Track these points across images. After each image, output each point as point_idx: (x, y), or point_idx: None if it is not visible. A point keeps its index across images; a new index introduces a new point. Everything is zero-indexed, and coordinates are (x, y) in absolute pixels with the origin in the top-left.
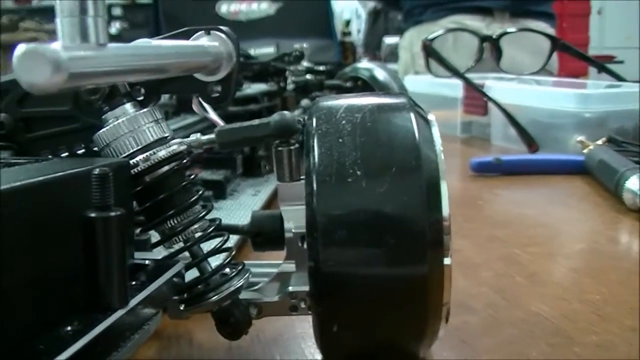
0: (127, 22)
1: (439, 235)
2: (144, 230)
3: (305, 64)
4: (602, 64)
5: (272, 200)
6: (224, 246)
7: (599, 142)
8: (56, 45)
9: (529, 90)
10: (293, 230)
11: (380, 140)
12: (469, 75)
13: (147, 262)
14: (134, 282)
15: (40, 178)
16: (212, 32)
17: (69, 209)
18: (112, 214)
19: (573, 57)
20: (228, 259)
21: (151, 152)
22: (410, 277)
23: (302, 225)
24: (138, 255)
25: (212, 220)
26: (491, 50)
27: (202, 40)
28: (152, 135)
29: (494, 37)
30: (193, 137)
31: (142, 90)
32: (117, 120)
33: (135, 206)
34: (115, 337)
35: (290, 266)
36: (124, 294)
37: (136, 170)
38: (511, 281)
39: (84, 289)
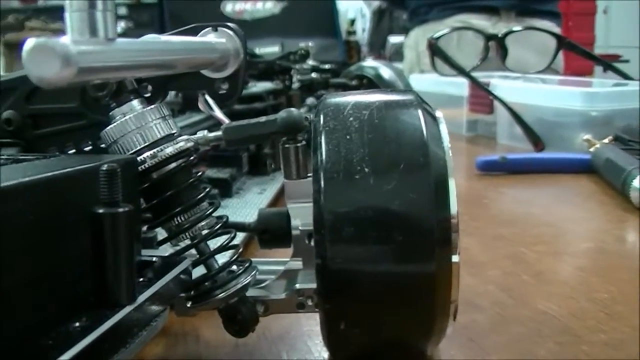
0: (132, 22)
1: (447, 232)
2: (151, 228)
3: (310, 62)
4: (608, 63)
5: (278, 199)
6: (231, 243)
7: (606, 140)
8: (65, 40)
9: (534, 89)
10: (300, 228)
11: (388, 137)
12: (475, 74)
13: (154, 259)
14: (141, 279)
15: (48, 174)
16: (219, 28)
17: (77, 205)
18: (120, 209)
19: (579, 55)
20: (235, 257)
21: (158, 148)
22: (418, 275)
23: (309, 223)
24: (145, 252)
25: (219, 218)
26: (497, 49)
27: (209, 37)
28: (159, 132)
29: (499, 35)
30: (200, 134)
31: (149, 87)
32: (125, 117)
33: (142, 203)
34: (123, 333)
35: (297, 264)
36: (131, 291)
37: (143, 167)
38: (518, 280)
39: (92, 284)
